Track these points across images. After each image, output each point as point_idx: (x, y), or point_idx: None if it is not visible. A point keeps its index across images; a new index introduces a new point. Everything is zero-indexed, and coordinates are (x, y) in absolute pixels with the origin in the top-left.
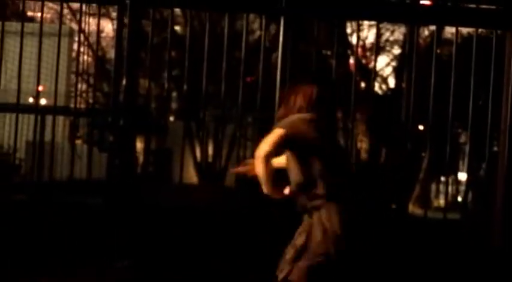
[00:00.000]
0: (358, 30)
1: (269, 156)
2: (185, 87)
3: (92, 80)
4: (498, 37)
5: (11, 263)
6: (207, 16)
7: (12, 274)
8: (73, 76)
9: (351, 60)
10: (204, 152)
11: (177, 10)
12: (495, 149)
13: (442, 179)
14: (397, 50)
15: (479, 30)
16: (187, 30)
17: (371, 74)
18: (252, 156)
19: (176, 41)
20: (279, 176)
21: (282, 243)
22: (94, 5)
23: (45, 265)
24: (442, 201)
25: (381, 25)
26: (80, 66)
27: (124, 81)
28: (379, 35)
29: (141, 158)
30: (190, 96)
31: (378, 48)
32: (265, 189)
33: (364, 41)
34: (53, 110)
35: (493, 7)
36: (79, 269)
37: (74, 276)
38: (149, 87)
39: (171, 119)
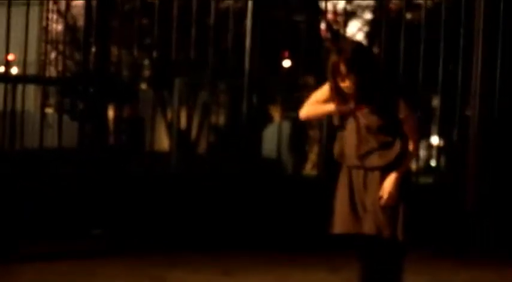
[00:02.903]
0: None
1: None
2: (155, 54)
3: (62, 48)
4: (467, 1)
5: None
6: None
7: None
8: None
9: (322, 26)
10: (176, 119)
11: None
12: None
13: None
14: (368, 15)
15: None
16: None
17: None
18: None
19: (146, 8)
20: None
21: (252, 210)
22: None
23: (20, 234)
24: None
25: None
26: (51, 35)
27: (94, 49)
28: (350, 0)
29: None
30: (161, 63)
31: (347, 13)
32: None
33: (335, 6)
34: (22, 78)
35: None
36: (53, 238)
37: (48, 245)
38: (119, 55)
39: (144, 87)
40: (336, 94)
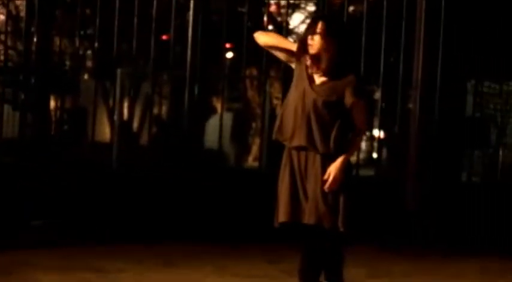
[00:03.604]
0: None
1: None
2: (96, 44)
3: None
4: None
5: None
6: None
7: None
8: None
9: (266, 18)
10: (118, 110)
11: None
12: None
13: None
14: (311, 8)
15: None
16: None
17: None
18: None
19: None
20: None
21: (194, 202)
22: None
23: None
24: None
25: None
26: None
27: (35, 39)
28: None
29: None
30: (103, 54)
31: (290, 5)
32: None
33: None
34: None
35: None
36: None
37: None
38: (60, 45)
39: (86, 77)
40: (301, 48)
